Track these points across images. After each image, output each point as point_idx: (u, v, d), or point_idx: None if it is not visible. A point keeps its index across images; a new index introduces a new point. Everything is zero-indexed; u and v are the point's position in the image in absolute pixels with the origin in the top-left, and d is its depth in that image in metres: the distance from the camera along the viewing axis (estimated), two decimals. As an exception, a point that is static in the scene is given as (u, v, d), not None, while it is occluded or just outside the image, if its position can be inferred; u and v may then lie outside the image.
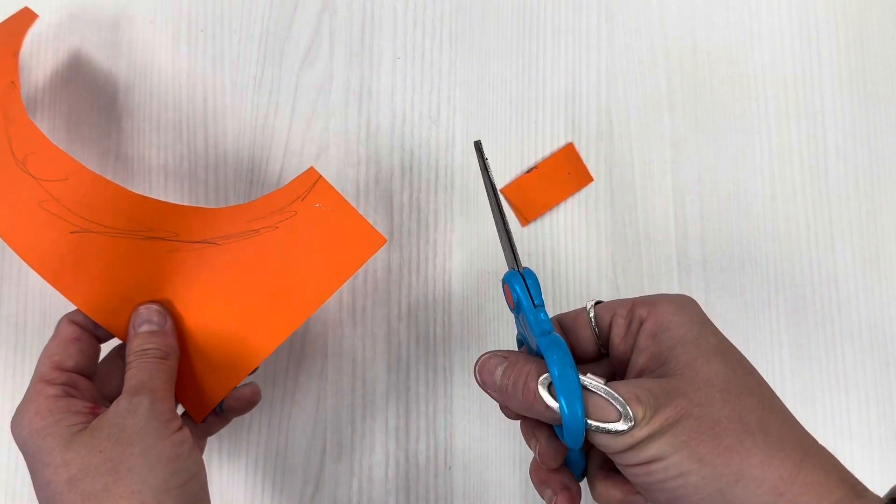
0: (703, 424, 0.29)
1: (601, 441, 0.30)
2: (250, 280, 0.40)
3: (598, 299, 0.36)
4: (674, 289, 0.50)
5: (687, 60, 0.53)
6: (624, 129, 0.51)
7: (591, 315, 0.35)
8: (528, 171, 0.50)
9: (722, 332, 0.33)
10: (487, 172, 0.35)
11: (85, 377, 0.38)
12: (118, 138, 0.49)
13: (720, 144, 0.52)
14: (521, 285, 0.34)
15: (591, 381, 0.30)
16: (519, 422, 0.36)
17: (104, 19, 0.50)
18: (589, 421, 0.30)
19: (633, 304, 0.34)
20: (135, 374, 0.37)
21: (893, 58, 0.54)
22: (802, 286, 0.51)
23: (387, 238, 0.41)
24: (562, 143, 0.51)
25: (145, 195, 0.40)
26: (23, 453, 0.35)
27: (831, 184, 0.52)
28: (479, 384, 0.34)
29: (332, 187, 0.41)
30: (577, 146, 0.51)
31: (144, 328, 0.39)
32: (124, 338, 0.39)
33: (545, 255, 0.50)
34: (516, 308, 0.34)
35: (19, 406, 0.36)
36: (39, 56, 0.50)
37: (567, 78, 0.52)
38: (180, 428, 0.36)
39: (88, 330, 0.39)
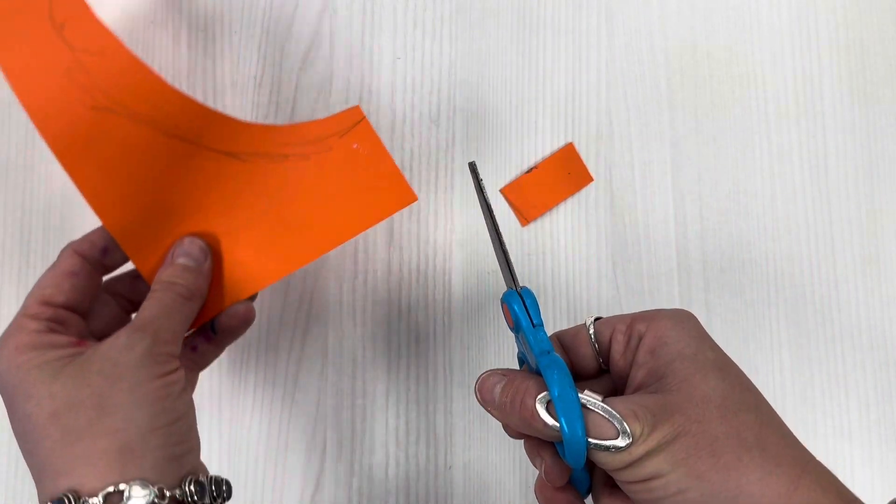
0: (700, 441, 0.29)
1: (600, 459, 0.30)
2: (268, 205, 0.39)
3: (597, 315, 0.36)
4: (674, 289, 0.50)
5: (687, 60, 0.53)
6: (624, 129, 0.51)
7: (591, 331, 0.35)
8: (528, 171, 0.50)
9: (721, 347, 0.33)
10: (483, 193, 0.35)
11: (77, 314, 0.36)
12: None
13: (720, 144, 0.52)
14: (519, 305, 0.34)
15: (589, 398, 0.30)
16: (522, 440, 0.36)
17: (104, 19, 0.50)
18: (588, 439, 0.30)
19: (633, 320, 0.34)
20: (151, 305, 0.35)
21: (893, 58, 0.54)
22: (802, 286, 0.51)
23: (418, 197, 0.40)
24: (562, 143, 0.51)
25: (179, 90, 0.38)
26: (0, 388, 0.34)
27: (831, 184, 0.52)
28: (479, 402, 0.35)
29: (373, 131, 0.39)
30: (577, 146, 0.51)
31: (182, 261, 0.37)
32: (129, 248, 0.37)
33: (545, 255, 0.50)
34: (515, 328, 0.34)
35: (2, 336, 0.34)
36: (39, 56, 0.50)
37: (567, 78, 0.52)
38: (176, 369, 0.34)
39: (92, 262, 0.37)
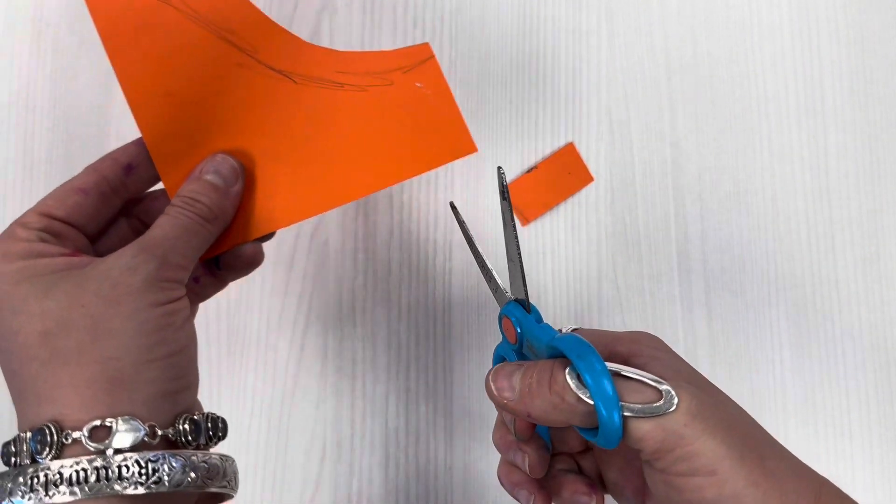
0: (746, 438, 0.28)
1: (644, 432, 0.27)
2: (313, 134, 0.36)
3: (575, 326, 0.35)
4: (674, 289, 0.50)
5: (687, 60, 0.52)
6: (624, 129, 0.51)
7: None
8: (528, 171, 0.50)
9: (707, 377, 0.32)
10: (466, 230, 0.36)
11: (79, 231, 0.33)
12: (118, 138, 0.49)
13: (720, 144, 0.52)
14: (520, 310, 0.33)
15: (618, 367, 0.28)
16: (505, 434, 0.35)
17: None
18: (628, 405, 0.27)
19: (613, 341, 0.33)
20: (165, 223, 0.32)
21: (894, 57, 0.54)
22: (802, 286, 0.51)
23: (477, 148, 0.37)
24: (562, 143, 0.51)
25: None
26: None
27: (831, 184, 0.52)
28: (492, 394, 0.32)
29: (440, 71, 0.37)
30: (577, 146, 0.51)
31: (209, 177, 0.34)
32: (160, 160, 0.34)
33: (545, 255, 0.50)
34: (519, 336, 0.33)
35: None
36: (39, 56, 0.50)
37: (567, 77, 0.52)
38: (181, 297, 0.31)
39: (111, 182, 0.34)
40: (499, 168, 0.34)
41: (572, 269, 0.50)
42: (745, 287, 0.51)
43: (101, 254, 0.33)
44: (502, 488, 0.48)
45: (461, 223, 0.36)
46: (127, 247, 0.31)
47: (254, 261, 0.37)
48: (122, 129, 0.49)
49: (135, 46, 0.34)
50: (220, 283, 0.37)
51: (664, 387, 0.27)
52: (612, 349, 0.32)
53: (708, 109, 0.52)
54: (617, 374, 0.28)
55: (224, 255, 0.36)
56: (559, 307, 0.50)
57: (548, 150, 0.51)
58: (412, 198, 0.50)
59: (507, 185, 0.33)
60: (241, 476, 0.47)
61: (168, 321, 0.30)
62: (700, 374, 0.31)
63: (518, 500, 0.35)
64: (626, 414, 0.27)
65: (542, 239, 0.50)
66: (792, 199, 0.52)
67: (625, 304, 0.50)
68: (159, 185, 0.36)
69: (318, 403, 0.48)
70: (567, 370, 0.29)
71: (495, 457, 0.48)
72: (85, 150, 0.49)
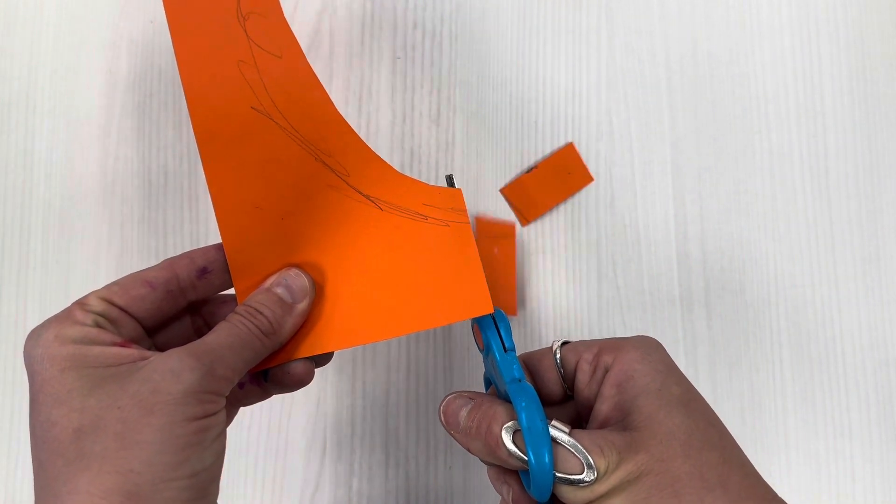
0: (663, 481, 0.29)
1: (564, 493, 0.30)
2: (389, 261, 0.36)
3: (564, 339, 0.36)
4: (674, 289, 0.50)
5: (687, 60, 0.53)
6: (624, 129, 0.51)
7: (557, 357, 0.35)
8: (528, 171, 0.50)
9: (686, 379, 0.33)
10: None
11: (133, 318, 0.33)
12: (118, 138, 0.49)
13: (720, 144, 0.52)
14: (491, 329, 0.33)
15: (557, 429, 0.30)
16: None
17: (104, 19, 0.50)
18: (554, 472, 0.29)
19: (599, 350, 0.33)
20: (221, 331, 0.31)
21: (893, 57, 0.53)
22: (802, 286, 0.51)
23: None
24: (562, 143, 0.51)
25: (345, 120, 0.36)
26: (28, 374, 0.30)
27: (831, 184, 0.52)
28: (443, 425, 0.34)
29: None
30: (577, 146, 0.51)
31: (279, 291, 0.34)
32: (235, 267, 0.34)
33: (545, 254, 0.50)
34: (486, 350, 0.34)
35: (41, 323, 0.31)
36: (40, 56, 0.50)
37: (567, 78, 0.52)
38: (219, 411, 0.30)
39: (183, 280, 0.34)
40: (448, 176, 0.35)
41: (572, 269, 0.50)
42: (745, 287, 0.51)
43: (158, 347, 0.33)
44: (502, 488, 0.48)
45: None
46: (177, 349, 0.30)
47: (303, 380, 0.35)
48: (123, 129, 0.49)
49: (231, 155, 0.34)
50: (263, 394, 0.36)
51: (590, 459, 0.29)
52: (598, 358, 0.33)
53: (708, 109, 0.52)
54: (553, 441, 0.30)
55: (274, 370, 0.35)
56: (559, 307, 0.50)
57: (548, 150, 0.51)
58: (412, 198, 0.50)
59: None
60: (241, 476, 0.47)
61: (199, 438, 0.29)
62: (673, 386, 0.31)
63: None
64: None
65: (542, 239, 0.50)
66: (791, 199, 0.52)
67: (625, 304, 0.50)
68: (230, 290, 0.36)
69: (318, 403, 0.48)
70: (505, 426, 0.30)
71: (495, 457, 0.48)
72: (85, 151, 0.49)
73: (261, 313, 0.33)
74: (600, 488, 0.29)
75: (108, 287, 0.32)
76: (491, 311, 0.35)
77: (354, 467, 0.47)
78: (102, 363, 0.29)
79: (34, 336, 0.30)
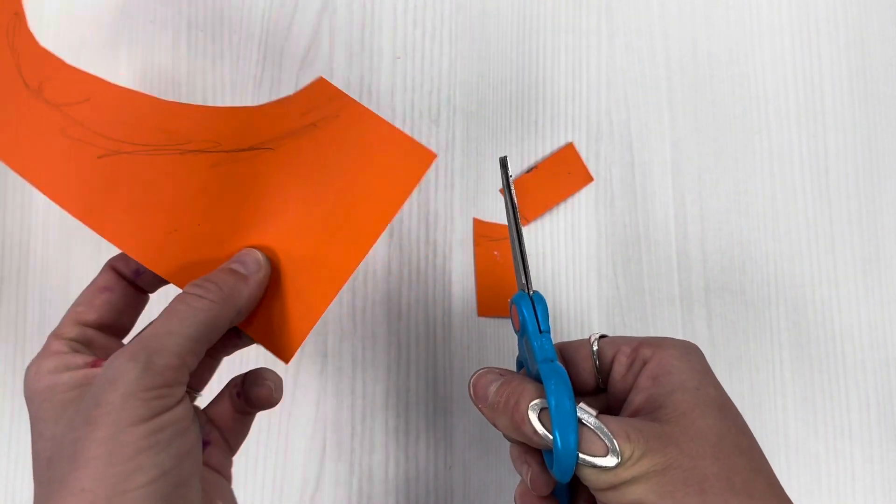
0: (690, 477, 0.29)
1: (587, 475, 0.30)
2: (314, 189, 0.35)
3: (602, 332, 0.36)
4: (674, 289, 0.50)
5: (687, 60, 0.53)
6: (624, 129, 0.51)
7: (595, 348, 0.35)
8: (528, 171, 0.50)
9: (721, 385, 0.32)
10: (510, 191, 0.34)
11: (109, 331, 0.33)
12: (118, 138, 0.49)
13: (720, 144, 0.52)
14: (528, 308, 0.33)
15: (584, 411, 0.30)
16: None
17: (104, 19, 0.50)
18: (580, 455, 0.29)
19: (639, 344, 0.33)
20: (156, 322, 0.30)
21: (893, 57, 0.54)
22: (802, 286, 0.51)
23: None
24: (562, 143, 0.51)
25: (178, 101, 0.35)
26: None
27: (831, 184, 0.52)
28: (472, 398, 0.34)
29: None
30: (577, 146, 0.51)
31: (232, 266, 0.33)
32: (175, 280, 0.34)
33: (545, 254, 0.50)
34: (521, 331, 0.34)
35: (31, 360, 0.32)
36: (39, 56, 0.50)
37: (567, 78, 0.52)
38: (175, 405, 0.29)
39: (127, 277, 0.34)
40: (502, 159, 0.33)
41: (572, 269, 0.50)
42: (745, 287, 0.51)
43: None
44: (502, 488, 0.48)
45: (507, 185, 0.34)
46: (117, 352, 0.29)
47: (269, 401, 0.36)
48: (122, 129, 0.49)
49: (110, 207, 0.34)
50: (247, 417, 0.37)
51: (616, 443, 0.29)
52: (637, 351, 0.33)
53: (708, 109, 0.52)
54: (579, 422, 0.30)
55: (245, 389, 0.36)
56: (559, 307, 0.50)
57: (548, 150, 0.51)
58: (412, 198, 0.50)
59: (511, 176, 0.33)
60: (241, 476, 0.47)
61: (151, 441, 0.27)
62: (710, 388, 0.31)
63: None
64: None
65: (542, 239, 0.50)
66: (791, 199, 0.52)
67: (625, 304, 0.50)
68: None
69: (318, 403, 0.48)
70: (532, 403, 0.30)
71: (495, 457, 0.48)
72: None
73: (208, 281, 0.32)
74: (625, 474, 0.29)
75: (73, 309, 0.33)
76: (434, 156, 0.35)
77: (354, 467, 0.47)
78: (72, 387, 0.30)
79: (25, 377, 0.31)
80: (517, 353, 0.37)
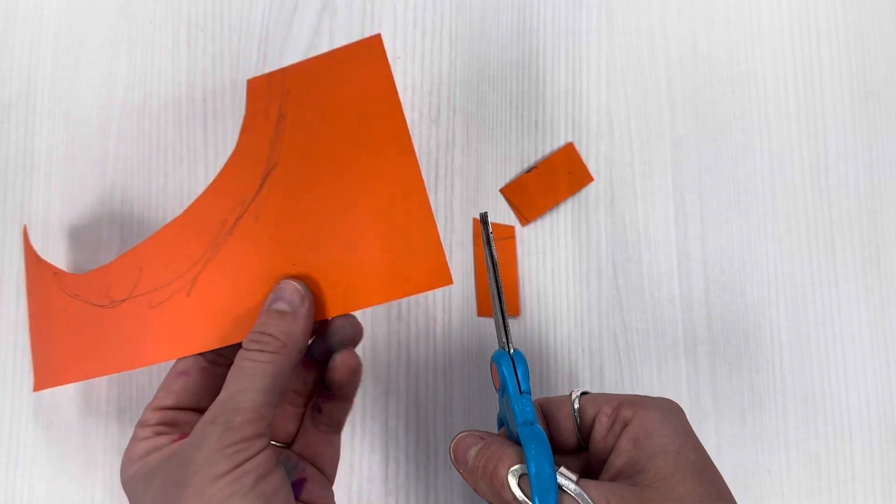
0: None
1: None
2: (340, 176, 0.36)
3: (584, 389, 0.36)
4: (674, 289, 0.50)
5: (687, 60, 0.53)
6: (624, 129, 0.51)
7: (576, 406, 0.35)
8: (528, 171, 0.50)
9: (703, 447, 0.32)
10: (491, 247, 0.34)
11: (192, 410, 0.35)
12: (118, 138, 0.49)
13: (720, 144, 0.52)
14: (509, 368, 0.33)
15: (564, 477, 0.30)
16: None
17: (104, 19, 0.50)
18: None
19: (620, 403, 0.33)
20: (227, 382, 0.32)
21: (893, 57, 0.54)
22: (802, 286, 0.51)
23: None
24: (562, 142, 0.51)
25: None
26: None
27: (831, 184, 0.52)
28: (452, 462, 0.34)
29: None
30: (577, 146, 0.51)
31: (275, 306, 0.34)
32: (232, 341, 0.35)
33: (545, 254, 0.50)
34: (501, 390, 0.34)
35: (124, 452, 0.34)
36: (40, 56, 0.50)
37: (567, 77, 0.52)
38: (256, 454, 0.30)
39: (206, 358, 0.36)
40: (483, 215, 0.33)
41: (572, 269, 0.50)
42: (745, 287, 0.51)
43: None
44: (502, 488, 0.48)
45: (487, 240, 0.35)
46: (200, 420, 0.31)
47: (353, 368, 0.36)
48: (123, 129, 0.49)
49: (202, 334, 0.36)
50: (344, 403, 0.38)
51: None
52: (618, 412, 0.33)
53: (708, 109, 0.52)
54: (559, 488, 0.29)
55: (325, 373, 0.36)
56: (559, 308, 0.50)
57: (548, 150, 0.51)
58: (412, 198, 0.50)
59: (491, 233, 0.33)
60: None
61: (235, 488, 0.29)
62: (691, 452, 0.31)
63: None
64: None
65: (542, 239, 0.50)
66: (792, 199, 0.52)
67: (625, 304, 0.50)
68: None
69: (318, 403, 0.48)
70: (511, 468, 0.30)
71: (495, 457, 0.48)
72: (85, 150, 0.49)
73: (264, 333, 0.33)
74: None
75: (155, 397, 0.35)
76: (379, 35, 0.35)
77: (354, 467, 0.47)
78: (160, 461, 0.32)
79: (120, 468, 0.33)
80: (498, 411, 0.37)
